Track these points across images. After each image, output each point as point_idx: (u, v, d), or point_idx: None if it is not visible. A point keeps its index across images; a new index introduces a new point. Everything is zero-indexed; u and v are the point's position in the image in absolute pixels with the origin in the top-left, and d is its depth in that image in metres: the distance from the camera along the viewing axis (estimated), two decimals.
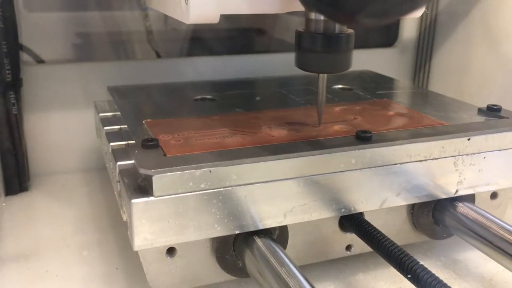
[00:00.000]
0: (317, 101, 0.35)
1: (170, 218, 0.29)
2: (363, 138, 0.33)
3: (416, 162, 0.34)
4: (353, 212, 0.33)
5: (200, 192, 0.29)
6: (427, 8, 0.57)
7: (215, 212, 0.30)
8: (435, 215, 0.37)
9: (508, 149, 0.36)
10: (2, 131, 0.47)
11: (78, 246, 0.40)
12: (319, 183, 0.32)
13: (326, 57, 0.33)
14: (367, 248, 0.34)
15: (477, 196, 0.38)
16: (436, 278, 0.29)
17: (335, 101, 0.43)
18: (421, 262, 0.30)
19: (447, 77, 0.60)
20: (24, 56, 0.50)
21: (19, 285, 0.36)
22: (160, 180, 0.28)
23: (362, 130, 0.34)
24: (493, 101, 0.40)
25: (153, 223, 0.29)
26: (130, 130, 0.36)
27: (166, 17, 0.57)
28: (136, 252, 0.30)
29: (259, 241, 0.31)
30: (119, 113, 0.40)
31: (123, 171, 0.32)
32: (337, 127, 0.36)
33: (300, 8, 0.30)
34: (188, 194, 0.29)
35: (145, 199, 0.28)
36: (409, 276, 0.30)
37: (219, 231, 0.30)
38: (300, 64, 0.33)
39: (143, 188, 0.29)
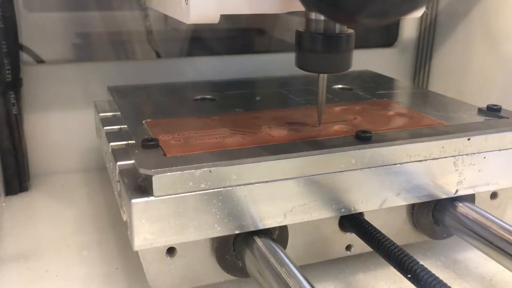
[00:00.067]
0: (317, 101, 0.35)
1: (170, 218, 0.29)
2: (363, 138, 0.33)
3: (416, 162, 0.34)
4: (353, 212, 0.33)
5: (200, 192, 0.29)
6: (427, 8, 0.57)
7: (215, 212, 0.30)
8: (435, 215, 0.37)
9: (508, 149, 0.36)
10: (2, 131, 0.47)
11: (78, 246, 0.40)
12: (319, 183, 0.32)
13: (326, 57, 0.33)
14: (367, 248, 0.34)
15: (477, 196, 0.38)
16: (436, 278, 0.29)
17: (335, 101, 0.43)
18: (421, 262, 0.30)
19: (447, 77, 0.60)
20: (24, 56, 0.50)
21: (19, 285, 0.36)
22: (160, 180, 0.28)
23: (362, 130, 0.34)
24: (493, 101, 0.40)
25: (153, 223, 0.29)
26: (130, 130, 0.36)
27: (166, 17, 0.57)
28: (136, 252, 0.30)
29: (259, 241, 0.31)
30: (119, 113, 0.40)
31: (123, 171, 0.32)
32: (337, 127, 0.36)
33: (300, 8, 0.30)
34: (188, 194, 0.29)
35: (145, 199, 0.28)
36: (409, 276, 0.30)
37: (219, 231, 0.30)
38: (300, 64, 0.33)
39: (143, 188, 0.29)
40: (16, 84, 0.47)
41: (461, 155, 0.35)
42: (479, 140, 0.35)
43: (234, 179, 0.30)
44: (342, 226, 0.35)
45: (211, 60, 0.57)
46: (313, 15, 0.32)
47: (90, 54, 0.57)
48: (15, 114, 0.47)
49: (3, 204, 0.47)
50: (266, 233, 0.32)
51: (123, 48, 0.57)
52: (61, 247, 0.40)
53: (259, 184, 0.30)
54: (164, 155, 0.30)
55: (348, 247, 0.36)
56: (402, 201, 0.34)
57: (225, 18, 0.31)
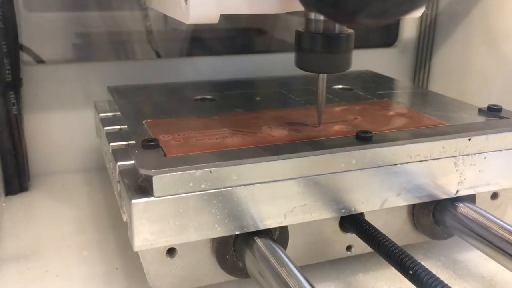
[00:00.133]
0: (317, 101, 0.35)
1: (170, 219, 0.29)
2: (363, 138, 0.33)
3: (416, 163, 0.34)
4: (354, 213, 0.33)
5: (201, 192, 0.29)
6: (427, 8, 0.57)
7: (215, 212, 0.30)
8: (436, 215, 0.37)
9: (508, 149, 0.36)
10: (2, 131, 0.47)
11: (78, 246, 0.40)
12: (319, 183, 0.32)
13: (326, 57, 0.33)
14: (368, 249, 0.34)
15: (477, 197, 0.38)
16: (437, 278, 0.29)
17: (336, 101, 0.43)
18: (422, 263, 0.30)
19: (447, 77, 0.60)
20: (24, 56, 0.50)
21: (19, 285, 0.36)
22: (160, 180, 0.28)
23: (363, 130, 0.34)
24: (493, 101, 0.40)
25: (153, 223, 0.29)
26: (130, 130, 0.36)
27: (166, 17, 0.57)
28: (136, 252, 0.30)
29: (259, 242, 0.31)
30: (119, 113, 0.40)
31: (123, 172, 0.32)
32: (337, 127, 0.36)
33: (300, 8, 0.30)
34: (189, 194, 0.29)
35: (145, 199, 0.28)
36: (409, 276, 0.30)
37: (220, 232, 0.30)
38: (300, 64, 0.33)
39: (143, 188, 0.29)
40: (16, 84, 0.47)
41: (462, 155, 0.35)
42: (479, 141, 0.35)
43: (234, 179, 0.30)
44: (342, 227, 0.35)
45: (211, 60, 0.57)
46: (312, 15, 0.32)
47: (90, 54, 0.57)
48: (15, 114, 0.47)
49: (3, 204, 0.47)
50: (266, 233, 0.32)
51: (123, 48, 0.57)
52: (61, 247, 0.40)
53: (259, 184, 0.30)
54: (164, 155, 0.30)
55: (349, 248, 0.36)
56: (402, 201, 0.34)
57: (225, 18, 0.30)
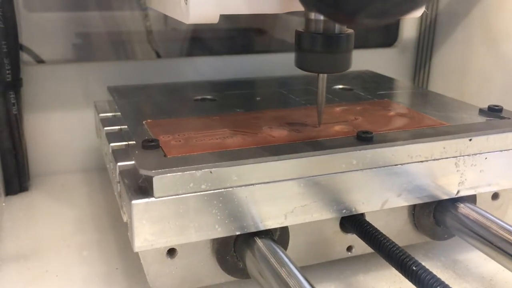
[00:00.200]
0: (317, 101, 0.35)
1: (170, 219, 0.29)
2: (364, 138, 0.33)
3: (417, 163, 0.34)
4: (354, 213, 0.33)
5: (201, 193, 0.29)
6: (427, 8, 0.57)
7: (215, 213, 0.30)
8: (436, 216, 0.37)
9: (509, 149, 0.36)
10: (2, 131, 0.47)
11: (78, 246, 0.40)
12: (320, 183, 0.32)
13: (326, 57, 0.32)
14: (368, 249, 0.34)
15: (478, 197, 0.38)
16: (437, 278, 0.29)
17: (336, 101, 0.43)
18: (422, 263, 0.30)
19: (447, 77, 0.60)
20: (24, 56, 0.50)
21: (19, 285, 0.36)
22: (161, 181, 0.28)
23: (363, 130, 0.34)
24: (493, 101, 0.40)
25: (154, 224, 0.29)
26: (130, 130, 0.36)
27: (166, 17, 0.57)
28: (137, 253, 0.30)
29: (260, 242, 0.31)
30: (119, 113, 0.40)
31: (124, 172, 0.31)
32: (338, 128, 0.36)
33: (300, 8, 0.30)
34: (189, 195, 0.29)
35: (146, 200, 0.28)
36: (409, 276, 0.30)
37: (220, 232, 0.30)
38: (300, 64, 0.33)
39: (144, 189, 0.29)
40: (16, 84, 0.47)
41: (463, 155, 0.35)
42: (480, 141, 0.35)
43: (234, 180, 0.30)
44: (343, 227, 0.35)
45: (211, 60, 0.57)
46: (312, 15, 0.32)
47: (90, 54, 0.57)
48: (15, 114, 0.47)
49: (3, 204, 0.47)
50: (267, 234, 0.32)
51: (123, 48, 0.57)
52: (61, 247, 0.40)
53: (260, 185, 0.30)
54: (165, 155, 0.30)
55: (349, 248, 0.36)
56: (403, 202, 0.34)
57: (225, 18, 0.30)
